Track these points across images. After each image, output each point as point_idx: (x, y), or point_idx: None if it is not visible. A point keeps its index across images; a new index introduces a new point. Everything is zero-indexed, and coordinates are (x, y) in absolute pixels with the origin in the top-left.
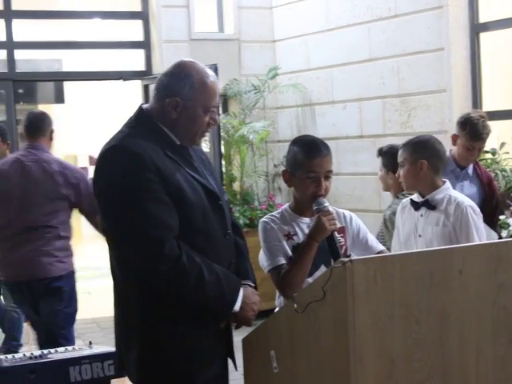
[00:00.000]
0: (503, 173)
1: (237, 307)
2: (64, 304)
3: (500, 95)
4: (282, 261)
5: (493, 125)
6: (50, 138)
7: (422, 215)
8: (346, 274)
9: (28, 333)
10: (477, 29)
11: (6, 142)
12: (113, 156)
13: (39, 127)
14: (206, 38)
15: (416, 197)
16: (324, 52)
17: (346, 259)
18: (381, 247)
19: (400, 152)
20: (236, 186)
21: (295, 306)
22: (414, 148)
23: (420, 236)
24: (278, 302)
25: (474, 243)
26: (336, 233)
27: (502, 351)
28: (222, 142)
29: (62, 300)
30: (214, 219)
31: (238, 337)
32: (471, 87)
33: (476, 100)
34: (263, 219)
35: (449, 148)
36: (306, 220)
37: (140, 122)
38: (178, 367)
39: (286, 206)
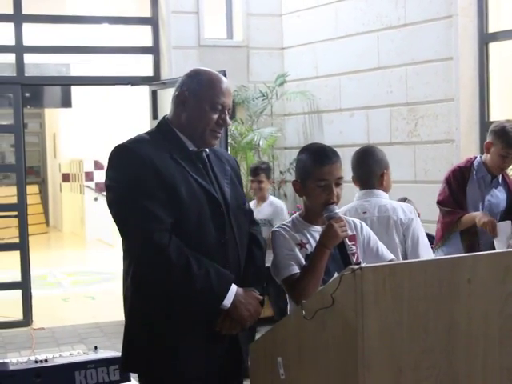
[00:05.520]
0: None
1: (227, 302)
2: None
3: (507, 105)
4: (296, 270)
5: None
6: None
7: None
8: (355, 281)
9: (32, 337)
10: (486, 39)
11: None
12: (114, 154)
13: None
14: (215, 44)
15: None
16: (332, 60)
17: (356, 266)
18: (391, 256)
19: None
20: None
21: (303, 312)
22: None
23: None
24: (289, 308)
25: (482, 252)
26: (347, 240)
27: (509, 360)
28: (229, 148)
29: None
30: (210, 224)
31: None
32: (479, 97)
33: (483, 110)
34: (275, 229)
35: (473, 154)
36: (318, 228)
37: (159, 128)
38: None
39: (296, 214)
